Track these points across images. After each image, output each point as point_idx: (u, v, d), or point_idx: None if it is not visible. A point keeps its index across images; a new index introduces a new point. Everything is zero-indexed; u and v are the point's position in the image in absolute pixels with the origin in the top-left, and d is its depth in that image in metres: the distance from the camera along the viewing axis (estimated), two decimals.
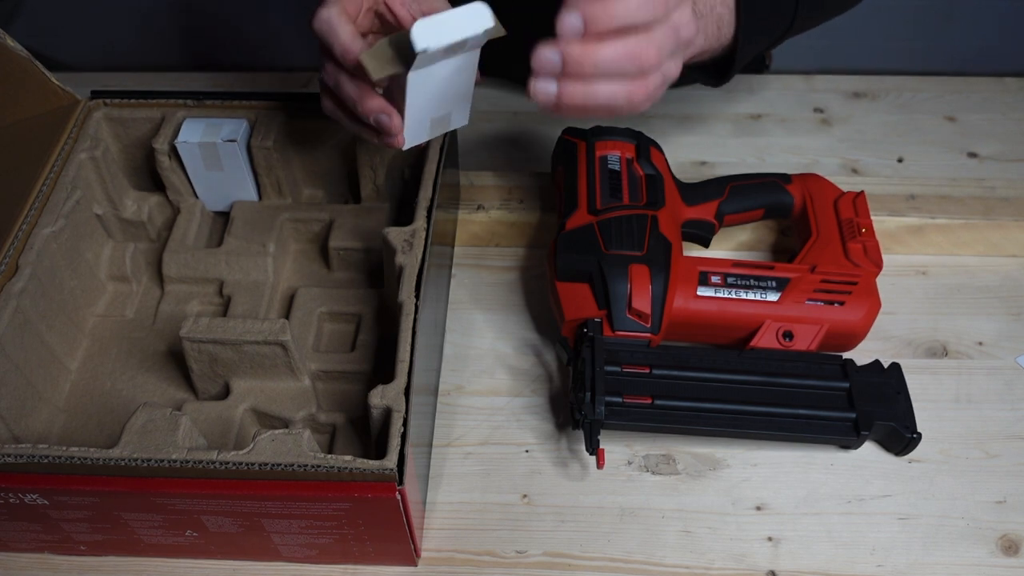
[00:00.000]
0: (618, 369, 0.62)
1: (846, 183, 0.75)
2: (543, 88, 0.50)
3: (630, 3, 0.49)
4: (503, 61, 0.91)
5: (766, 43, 0.68)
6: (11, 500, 0.53)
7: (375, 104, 0.54)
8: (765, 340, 0.64)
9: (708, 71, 0.68)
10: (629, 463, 0.64)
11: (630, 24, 0.49)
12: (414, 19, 0.53)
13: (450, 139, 0.70)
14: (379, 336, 0.65)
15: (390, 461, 0.50)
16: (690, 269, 0.66)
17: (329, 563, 0.59)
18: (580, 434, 0.64)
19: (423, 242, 0.61)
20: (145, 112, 0.70)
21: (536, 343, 0.71)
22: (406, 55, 0.50)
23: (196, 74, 0.95)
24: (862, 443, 0.63)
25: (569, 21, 0.49)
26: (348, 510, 0.52)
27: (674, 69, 0.54)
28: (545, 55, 0.49)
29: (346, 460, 0.50)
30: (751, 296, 0.65)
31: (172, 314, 0.69)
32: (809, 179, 0.74)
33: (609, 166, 0.71)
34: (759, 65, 1.00)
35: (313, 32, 0.54)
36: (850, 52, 1.02)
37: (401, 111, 0.55)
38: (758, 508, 0.61)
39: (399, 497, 0.50)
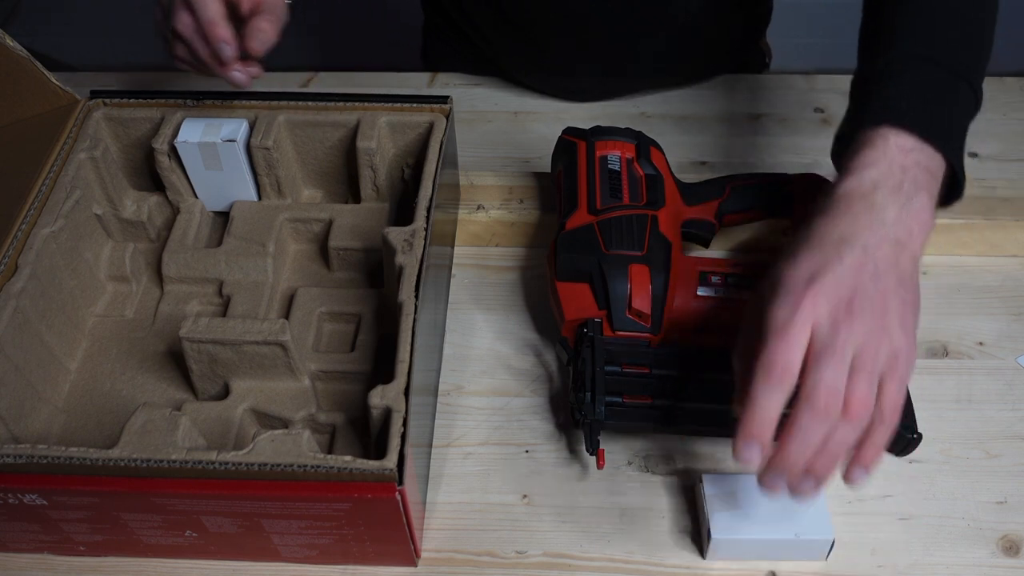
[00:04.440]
0: (618, 369, 0.62)
1: None
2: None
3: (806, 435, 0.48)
4: (503, 62, 0.92)
5: (967, 127, 0.61)
6: (10, 500, 0.53)
7: (222, 34, 0.64)
8: None
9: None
10: (629, 463, 0.64)
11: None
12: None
13: (450, 139, 0.70)
14: (379, 336, 0.65)
15: (390, 461, 0.50)
16: (690, 269, 0.66)
17: (329, 563, 0.59)
18: (580, 434, 0.64)
19: (423, 242, 0.61)
20: (145, 112, 0.70)
21: (536, 343, 0.71)
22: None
23: (196, 74, 0.95)
24: None
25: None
26: (348, 510, 0.52)
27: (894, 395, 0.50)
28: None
29: (346, 460, 0.50)
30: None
31: (172, 314, 0.69)
32: (809, 179, 0.73)
33: (609, 166, 0.71)
34: (759, 65, 1.00)
35: None
36: (850, 52, 1.02)
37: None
38: None
39: (399, 497, 0.50)
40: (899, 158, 0.55)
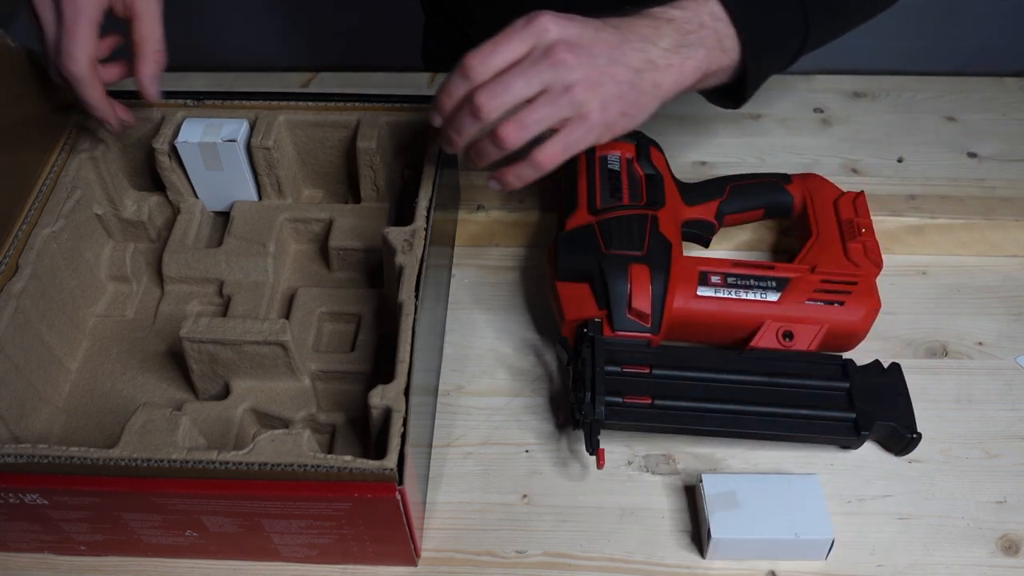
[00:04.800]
0: (618, 369, 0.62)
1: (846, 183, 0.75)
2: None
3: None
4: None
5: (782, 60, 0.65)
6: (11, 500, 0.53)
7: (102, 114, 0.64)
8: (765, 340, 0.64)
9: (725, 94, 0.65)
10: (629, 463, 0.64)
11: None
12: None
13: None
14: (379, 336, 0.65)
15: (390, 461, 0.50)
16: (690, 269, 0.66)
17: (329, 563, 0.59)
18: (580, 434, 0.64)
19: (423, 242, 0.61)
20: (145, 112, 0.70)
21: (536, 343, 0.71)
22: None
23: (196, 74, 0.95)
24: (862, 443, 0.63)
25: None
26: (348, 510, 0.52)
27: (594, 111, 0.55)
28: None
29: (346, 460, 0.50)
30: (751, 296, 0.65)
31: (172, 314, 0.69)
32: (809, 179, 0.74)
33: (609, 166, 0.71)
34: None
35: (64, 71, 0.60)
36: (850, 52, 1.02)
37: None
38: None
39: (399, 497, 0.50)
40: (705, 18, 0.59)
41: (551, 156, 0.56)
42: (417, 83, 0.93)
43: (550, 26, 0.54)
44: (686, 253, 0.70)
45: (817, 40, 0.66)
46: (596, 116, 0.55)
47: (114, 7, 0.61)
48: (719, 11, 0.59)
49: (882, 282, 0.67)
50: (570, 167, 0.72)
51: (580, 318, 0.64)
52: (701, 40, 0.58)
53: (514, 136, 0.54)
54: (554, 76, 0.53)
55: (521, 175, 0.58)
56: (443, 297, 0.72)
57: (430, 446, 0.64)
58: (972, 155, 0.84)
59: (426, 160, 0.67)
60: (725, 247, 0.77)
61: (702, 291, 0.65)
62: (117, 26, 0.64)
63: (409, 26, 1.10)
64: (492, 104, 0.53)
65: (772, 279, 0.66)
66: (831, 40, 0.68)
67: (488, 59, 0.54)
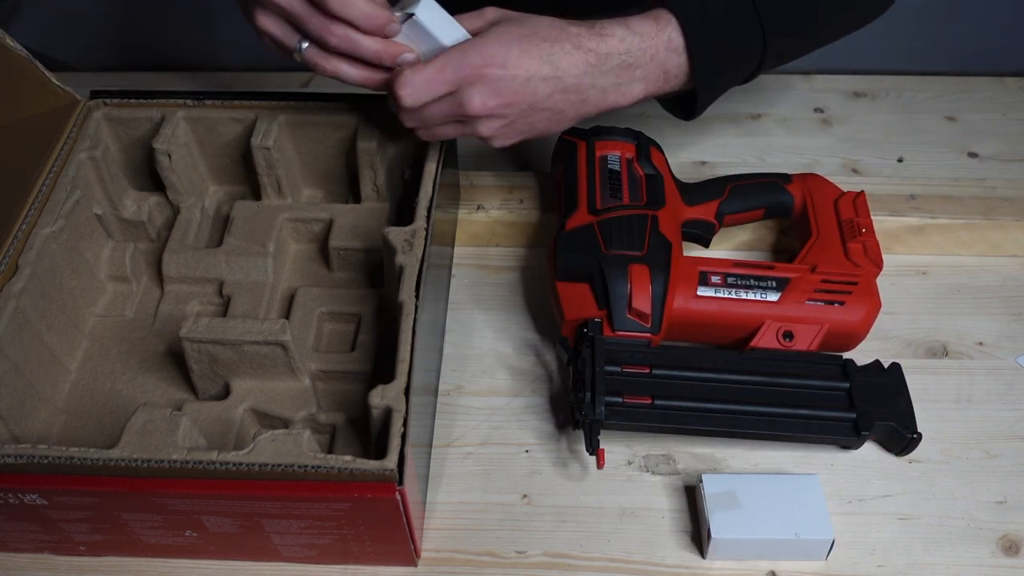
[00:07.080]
0: (618, 369, 0.62)
1: (846, 183, 0.75)
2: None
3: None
4: None
5: (735, 80, 0.68)
6: (11, 500, 0.53)
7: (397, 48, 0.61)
8: (765, 340, 0.64)
9: (675, 107, 0.70)
10: (629, 463, 0.64)
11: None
12: None
13: (449, 140, 0.70)
14: (379, 336, 0.65)
15: (390, 461, 0.50)
16: (690, 269, 0.66)
17: (329, 563, 0.59)
18: (580, 434, 0.64)
19: (423, 242, 0.61)
20: (145, 112, 0.70)
21: (536, 343, 0.71)
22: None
23: (196, 74, 0.95)
24: (862, 443, 0.63)
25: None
26: (348, 510, 0.52)
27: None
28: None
29: (346, 460, 0.50)
30: (751, 296, 0.65)
31: (172, 314, 0.69)
32: (809, 179, 0.74)
33: (609, 166, 0.71)
34: None
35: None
36: (850, 52, 1.02)
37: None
38: None
39: (399, 497, 0.50)
40: (659, 48, 0.62)
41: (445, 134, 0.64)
42: None
43: (475, 96, 0.59)
44: (686, 253, 0.70)
45: (775, 60, 0.68)
46: (497, 143, 0.64)
47: None
48: (677, 41, 0.62)
49: (882, 282, 0.67)
50: (570, 167, 0.72)
51: (580, 318, 0.64)
52: (645, 75, 0.62)
53: (424, 135, 0.64)
54: (468, 128, 0.62)
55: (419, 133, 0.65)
56: (443, 297, 0.72)
57: (430, 446, 0.64)
58: (972, 155, 0.84)
59: (426, 160, 0.67)
60: (725, 247, 0.77)
61: (702, 291, 0.65)
62: None
63: None
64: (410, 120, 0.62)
65: (772, 279, 0.66)
66: (791, 60, 0.70)
67: (418, 94, 0.59)
